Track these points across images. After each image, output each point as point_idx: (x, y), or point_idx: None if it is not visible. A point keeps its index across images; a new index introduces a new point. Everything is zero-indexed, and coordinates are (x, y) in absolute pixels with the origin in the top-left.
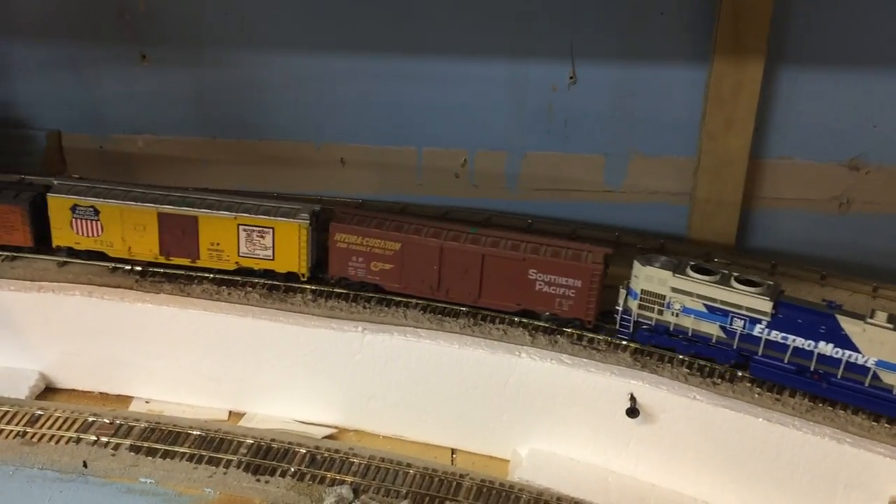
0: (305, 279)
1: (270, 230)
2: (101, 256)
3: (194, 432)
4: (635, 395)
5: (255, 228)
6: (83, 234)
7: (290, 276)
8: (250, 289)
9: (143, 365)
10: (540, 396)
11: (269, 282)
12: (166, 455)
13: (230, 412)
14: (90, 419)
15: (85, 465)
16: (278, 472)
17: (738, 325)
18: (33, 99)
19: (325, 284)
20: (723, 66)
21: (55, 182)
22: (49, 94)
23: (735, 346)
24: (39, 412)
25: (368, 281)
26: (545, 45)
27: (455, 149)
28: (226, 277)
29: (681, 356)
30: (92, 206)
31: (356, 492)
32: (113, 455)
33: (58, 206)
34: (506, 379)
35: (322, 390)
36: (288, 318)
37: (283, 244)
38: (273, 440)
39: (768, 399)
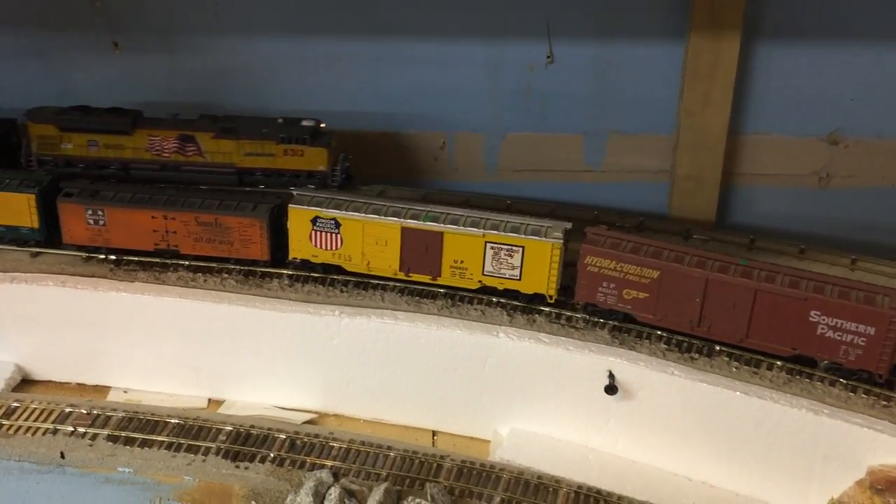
0: (553, 302)
1: (520, 249)
2: (338, 270)
3: (172, 420)
4: (613, 371)
5: (503, 246)
6: (321, 247)
7: (535, 298)
8: (226, 275)
9: (119, 354)
10: (519, 376)
11: (249, 268)
12: (144, 444)
13: (209, 400)
14: (67, 410)
15: (62, 455)
16: (258, 458)
17: None
18: (2, 88)
19: (300, 269)
20: (699, 42)
21: (295, 193)
22: (18, 84)
23: None
24: (16, 404)
25: (619, 309)
26: (521, 25)
27: (433, 131)
28: (201, 264)
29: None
30: (333, 219)
31: (336, 476)
32: (90, 445)
33: (299, 217)
34: (484, 359)
35: (301, 375)
36: (265, 303)
37: (533, 264)
38: (252, 426)
39: (746, 372)
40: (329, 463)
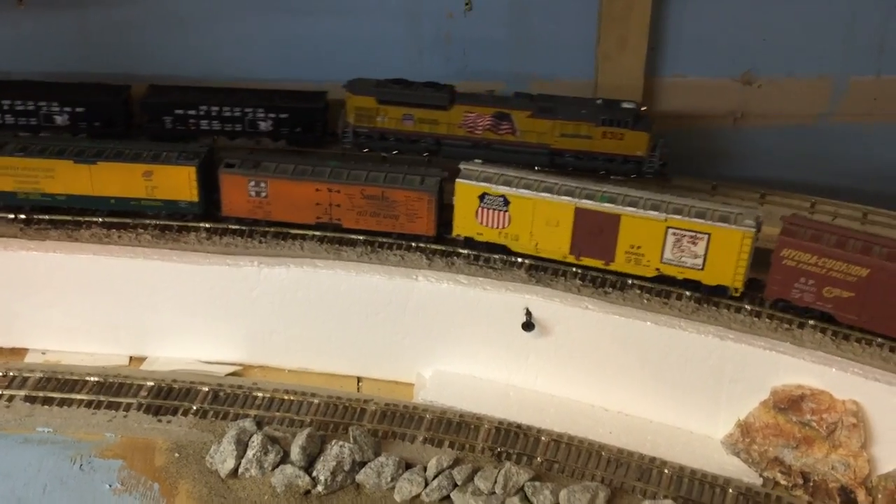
0: (738, 295)
1: (705, 236)
2: (503, 251)
3: (92, 379)
4: (530, 309)
5: (686, 233)
6: (488, 225)
7: (717, 290)
8: (141, 230)
9: (35, 316)
10: (440, 318)
11: (167, 222)
12: (63, 403)
13: (130, 358)
14: None
15: None
16: (180, 412)
17: None
18: None
19: (220, 221)
20: None
21: (462, 167)
22: None
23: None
24: None
25: (817, 308)
26: None
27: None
28: (115, 220)
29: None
30: (503, 196)
31: (259, 424)
32: (7, 407)
33: (466, 192)
34: (405, 303)
35: (223, 328)
36: (182, 257)
37: (719, 253)
38: (174, 381)
39: (657, 303)
40: (253, 412)
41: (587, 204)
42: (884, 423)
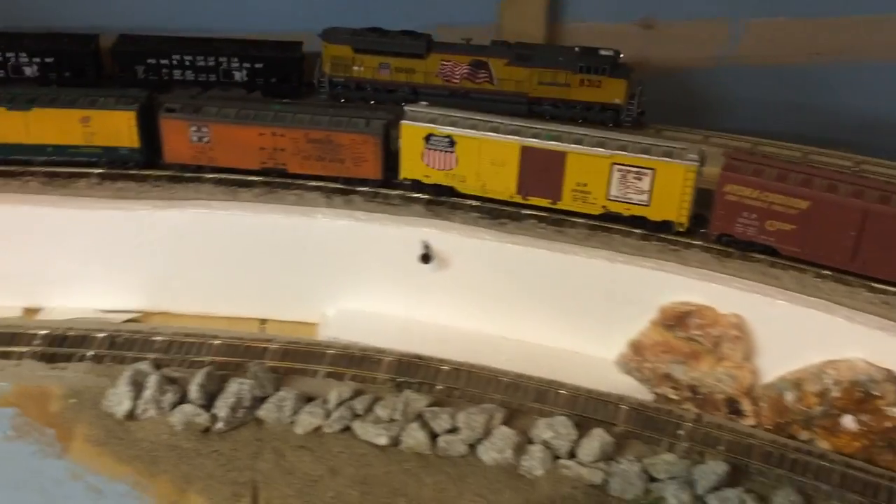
0: (684, 230)
1: (650, 171)
2: (450, 192)
3: None
4: (429, 242)
5: (631, 168)
6: (435, 167)
7: (663, 226)
8: (29, 177)
9: None
10: (340, 256)
11: (56, 169)
12: None
13: (24, 309)
14: None
15: None
16: (75, 358)
17: None
18: None
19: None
20: None
21: (407, 108)
22: None
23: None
24: None
25: (760, 241)
26: None
27: (252, 33)
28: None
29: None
30: (448, 136)
31: (158, 366)
32: None
33: (412, 134)
34: (304, 241)
35: (120, 276)
36: (72, 203)
37: (663, 188)
38: (70, 329)
39: (552, 232)
40: (151, 356)
41: (533, 142)
42: (764, 335)
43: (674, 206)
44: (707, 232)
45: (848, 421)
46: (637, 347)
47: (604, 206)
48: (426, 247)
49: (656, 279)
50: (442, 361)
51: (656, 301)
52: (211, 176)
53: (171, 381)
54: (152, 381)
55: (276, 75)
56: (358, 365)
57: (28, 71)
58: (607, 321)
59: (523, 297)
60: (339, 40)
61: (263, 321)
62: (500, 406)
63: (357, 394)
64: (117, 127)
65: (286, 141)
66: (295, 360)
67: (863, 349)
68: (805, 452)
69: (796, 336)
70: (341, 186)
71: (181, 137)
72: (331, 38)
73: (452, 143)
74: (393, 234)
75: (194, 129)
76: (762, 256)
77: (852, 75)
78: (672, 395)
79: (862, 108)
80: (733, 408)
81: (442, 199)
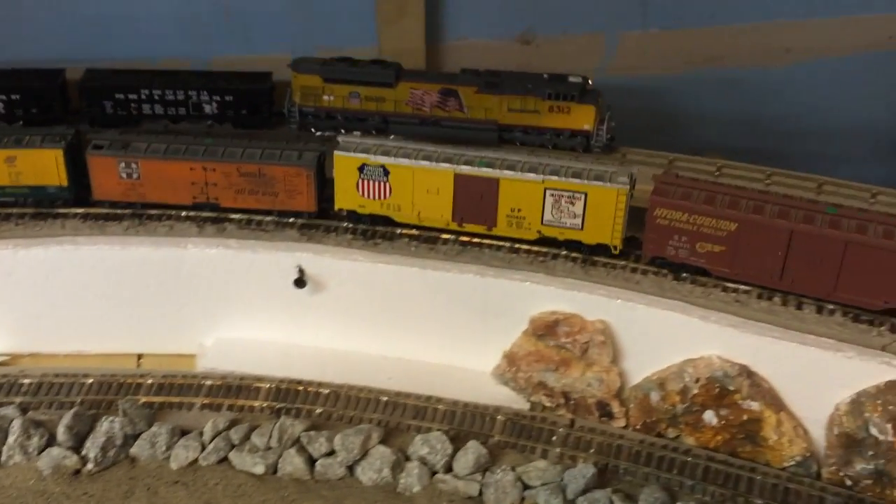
0: (618, 252)
1: (582, 195)
2: (386, 221)
3: None
4: (304, 266)
5: (564, 193)
6: (369, 197)
7: (598, 249)
8: None
9: None
10: (215, 285)
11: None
12: None
13: None
14: None
15: None
16: None
17: None
18: None
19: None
20: None
21: (340, 139)
22: None
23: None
24: None
25: (691, 263)
26: None
27: (137, 59)
28: None
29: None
30: (382, 166)
31: (24, 410)
32: None
33: (345, 165)
34: (177, 272)
35: None
36: None
37: (596, 212)
38: None
39: (424, 249)
40: (17, 400)
41: (466, 170)
42: (628, 339)
43: (607, 228)
44: (641, 254)
45: (709, 416)
46: (511, 358)
47: (539, 231)
48: (300, 271)
49: (525, 290)
50: (321, 385)
51: (527, 312)
52: (78, 211)
53: (38, 424)
54: (16, 426)
55: (247, 107)
56: (235, 394)
57: None
58: (483, 334)
59: (400, 315)
60: (308, 70)
61: (140, 356)
62: (376, 426)
63: (233, 423)
64: (44, 165)
65: (217, 175)
66: (170, 393)
67: (718, 346)
68: (671, 449)
69: (657, 337)
70: (212, 215)
71: (110, 174)
72: (300, 69)
73: (386, 173)
74: (266, 261)
75: (123, 165)
76: (624, 263)
77: (723, 81)
78: (547, 402)
79: (731, 112)
80: (604, 411)
81: (316, 223)
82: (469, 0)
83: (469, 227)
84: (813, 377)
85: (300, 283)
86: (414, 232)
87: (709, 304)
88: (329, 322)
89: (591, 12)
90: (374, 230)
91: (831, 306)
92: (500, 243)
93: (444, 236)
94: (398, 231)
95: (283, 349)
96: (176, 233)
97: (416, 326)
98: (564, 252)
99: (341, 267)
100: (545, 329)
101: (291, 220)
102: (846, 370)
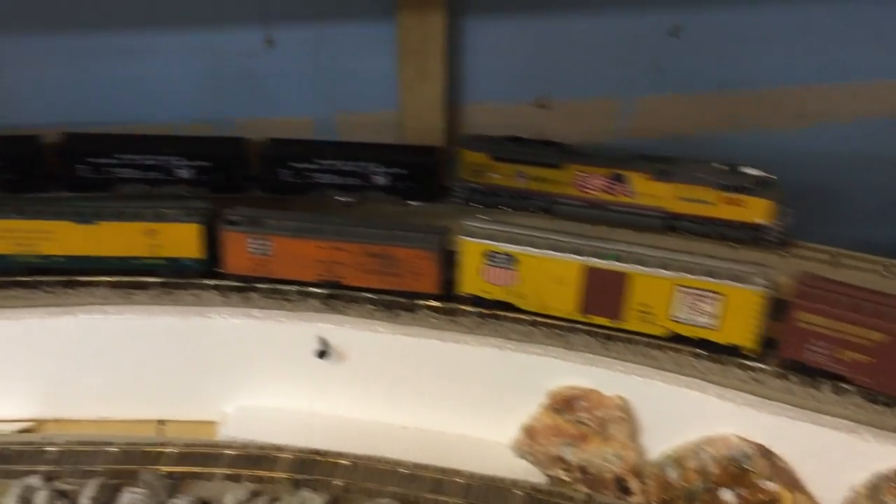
0: (755, 355)
1: (716, 295)
2: (508, 307)
3: None
4: (325, 336)
5: (696, 292)
6: (495, 283)
7: (732, 350)
8: None
9: None
10: (238, 353)
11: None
12: None
13: None
14: None
15: None
16: None
17: None
18: None
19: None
20: (407, 19)
21: (467, 224)
22: None
23: None
24: None
25: (831, 370)
26: (237, 11)
27: (161, 123)
28: None
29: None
30: (508, 254)
31: (49, 479)
32: None
33: (471, 250)
34: (201, 341)
35: (10, 384)
36: None
37: (732, 313)
38: None
39: (444, 321)
40: (42, 468)
41: (594, 262)
42: (646, 414)
43: (743, 330)
44: (777, 356)
45: (727, 495)
46: (529, 431)
47: (667, 328)
48: (323, 343)
49: (543, 364)
50: (340, 455)
51: (544, 385)
52: (106, 279)
53: (62, 494)
54: (41, 497)
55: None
56: (255, 465)
57: None
58: (501, 406)
59: (419, 385)
60: (479, 148)
61: (162, 422)
62: (393, 499)
63: (254, 495)
64: (182, 238)
65: (344, 255)
66: (192, 463)
67: (735, 425)
68: None
69: (675, 414)
70: (237, 284)
71: (241, 249)
72: (471, 146)
73: (512, 260)
74: (290, 331)
75: (251, 241)
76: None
77: (731, 142)
78: (564, 476)
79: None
80: (622, 486)
81: (339, 294)
82: (487, 65)
83: (594, 319)
84: (830, 458)
85: (322, 354)
86: (435, 303)
87: (725, 382)
88: (349, 391)
89: (608, 77)
90: (396, 300)
91: (848, 386)
92: (521, 316)
93: (463, 308)
94: (417, 302)
95: (304, 418)
96: (202, 302)
97: (436, 397)
98: (580, 325)
99: (362, 338)
100: (563, 403)
101: (312, 290)
102: (863, 452)
